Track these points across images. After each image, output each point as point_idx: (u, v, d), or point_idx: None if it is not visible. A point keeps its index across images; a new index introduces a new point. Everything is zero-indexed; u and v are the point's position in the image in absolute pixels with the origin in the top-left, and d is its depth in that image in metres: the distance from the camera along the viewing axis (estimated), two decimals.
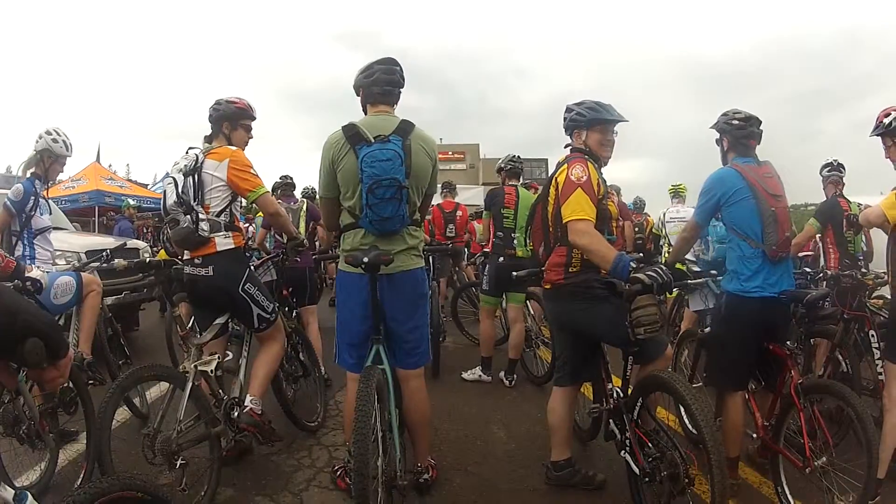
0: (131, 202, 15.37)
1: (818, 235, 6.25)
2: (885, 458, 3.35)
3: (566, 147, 3.85)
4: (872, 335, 4.44)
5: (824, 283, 5.17)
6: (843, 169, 6.33)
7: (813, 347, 5.02)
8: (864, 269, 5.58)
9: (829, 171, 6.34)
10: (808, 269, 5.72)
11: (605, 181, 3.71)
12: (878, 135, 3.81)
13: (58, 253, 5.87)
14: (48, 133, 4.94)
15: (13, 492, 1.47)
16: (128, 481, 2.01)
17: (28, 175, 5.00)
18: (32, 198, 4.88)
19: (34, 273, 3.96)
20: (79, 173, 19.62)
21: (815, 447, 3.44)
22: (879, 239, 4.33)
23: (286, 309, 5.69)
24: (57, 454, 3.77)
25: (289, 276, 5.69)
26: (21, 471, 3.67)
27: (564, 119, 3.84)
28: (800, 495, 3.58)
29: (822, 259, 6.40)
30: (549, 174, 3.81)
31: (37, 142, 4.94)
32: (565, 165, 3.60)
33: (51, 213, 5.23)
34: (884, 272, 4.46)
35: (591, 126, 3.72)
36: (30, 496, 1.51)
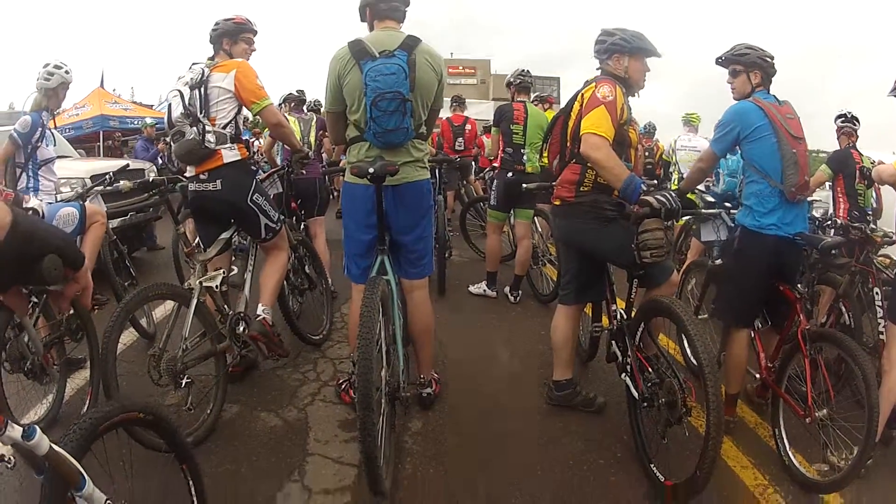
0: (148, 121, 14.81)
1: (829, 184, 6.18)
2: (881, 420, 3.29)
3: (597, 70, 3.78)
4: (877, 292, 4.40)
5: (832, 231, 5.12)
6: (857, 121, 6.21)
7: (816, 294, 5.01)
8: (872, 225, 5.51)
9: (843, 122, 6.22)
10: (816, 216, 5.68)
11: (630, 108, 3.67)
12: (895, 95, 3.73)
13: (62, 181, 5.86)
14: (58, 67, 4.95)
15: (21, 429, 1.46)
16: (128, 403, 2.03)
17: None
18: (39, 129, 4.88)
19: (32, 203, 3.94)
20: (83, 100, 19.26)
21: (816, 396, 3.42)
22: (890, 197, 4.26)
23: (294, 220, 5.73)
24: (64, 385, 3.79)
25: (298, 188, 5.74)
26: (30, 406, 3.68)
27: (601, 42, 3.72)
28: (795, 442, 3.56)
29: (831, 207, 6.34)
30: (577, 90, 3.75)
31: (48, 79, 4.92)
32: (594, 84, 3.56)
33: (55, 144, 5.23)
34: (892, 231, 4.42)
35: (634, 54, 3.66)
36: (38, 430, 1.50)
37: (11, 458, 1.46)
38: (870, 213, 6.01)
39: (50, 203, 4.49)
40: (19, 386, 3.56)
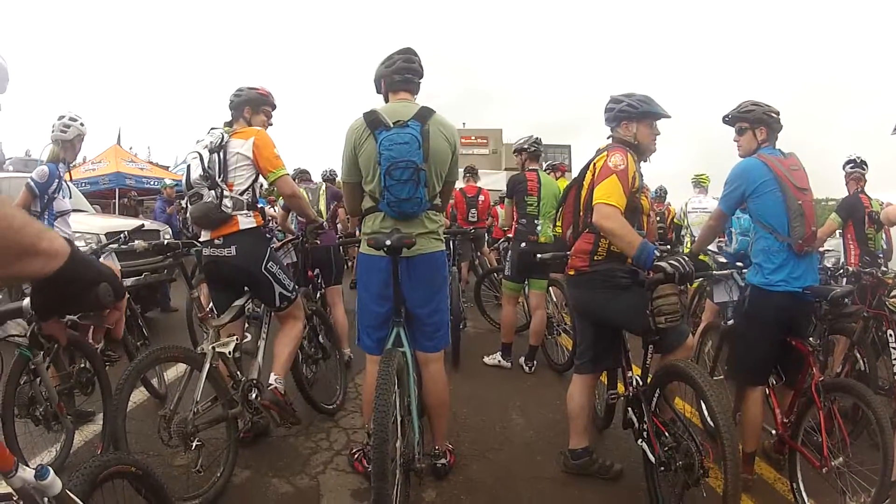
0: (168, 182, 14.81)
1: (839, 231, 6.16)
2: None
3: (608, 138, 3.84)
4: (890, 334, 4.38)
5: (844, 279, 5.10)
6: (866, 166, 6.22)
7: (831, 344, 4.98)
8: (883, 268, 5.50)
9: (851, 168, 6.22)
10: (828, 266, 5.66)
11: (641, 175, 3.71)
12: None
13: (77, 235, 5.90)
14: (73, 120, 5.01)
15: (32, 470, 1.49)
16: (123, 457, 2.19)
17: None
18: (56, 180, 4.93)
19: None
20: (99, 156, 19.64)
21: (832, 446, 3.41)
22: None
23: (311, 289, 5.77)
24: (73, 435, 3.80)
25: (312, 256, 5.78)
26: (36, 452, 3.70)
27: (610, 109, 3.80)
28: (814, 493, 3.54)
29: (842, 255, 6.31)
30: (588, 160, 3.80)
31: (64, 131, 4.98)
32: (605, 153, 3.60)
33: (71, 197, 5.28)
34: None
35: (642, 119, 3.72)
36: (51, 471, 1.53)
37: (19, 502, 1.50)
38: (881, 255, 5.97)
39: None
40: (26, 431, 3.59)
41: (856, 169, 6.19)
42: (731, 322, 4.42)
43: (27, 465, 1.53)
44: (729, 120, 3.98)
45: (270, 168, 4.09)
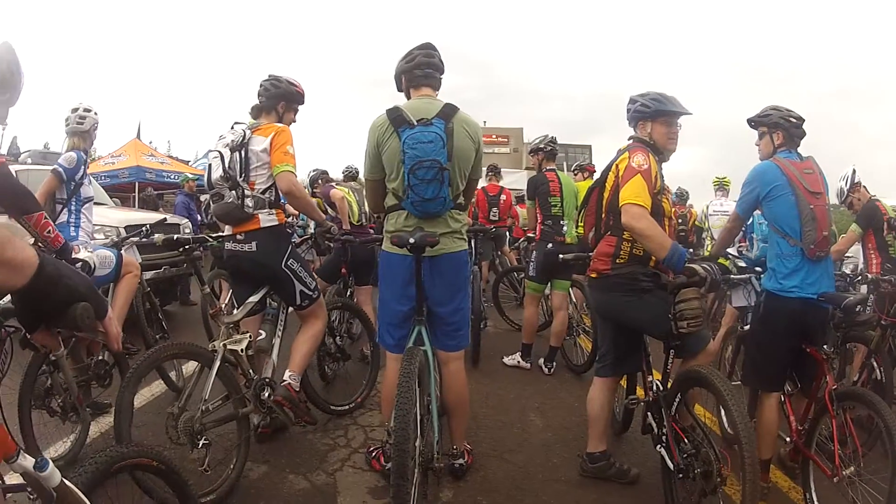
0: (189, 176, 14.75)
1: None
2: None
3: (629, 139, 3.81)
4: None
5: (863, 286, 5.02)
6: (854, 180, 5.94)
7: (850, 353, 4.90)
8: None
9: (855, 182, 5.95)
10: (846, 272, 5.56)
11: (663, 177, 3.68)
12: None
13: (97, 227, 5.92)
14: (87, 110, 5.04)
15: (33, 460, 1.49)
16: (145, 449, 2.14)
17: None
18: (83, 166, 4.97)
19: (82, 254, 3.98)
20: (119, 150, 19.62)
21: (844, 455, 3.37)
22: None
23: (342, 287, 5.84)
24: (88, 426, 3.80)
25: (356, 254, 5.85)
26: (50, 442, 3.70)
27: (628, 111, 3.81)
28: (828, 503, 3.51)
29: (860, 262, 6.19)
30: (610, 160, 3.78)
31: (81, 123, 5.00)
32: (627, 153, 3.58)
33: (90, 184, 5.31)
34: None
35: (656, 118, 3.69)
36: (50, 463, 1.52)
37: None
38: None
39: (87, 242, 4.56)
40: (40, 422, 3.57)
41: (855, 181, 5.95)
42: (747, 327, 4.37)
43: (41, 454, 1.53)
44: (753, 125, 3.98)
45: (276, 162, 3.98)
